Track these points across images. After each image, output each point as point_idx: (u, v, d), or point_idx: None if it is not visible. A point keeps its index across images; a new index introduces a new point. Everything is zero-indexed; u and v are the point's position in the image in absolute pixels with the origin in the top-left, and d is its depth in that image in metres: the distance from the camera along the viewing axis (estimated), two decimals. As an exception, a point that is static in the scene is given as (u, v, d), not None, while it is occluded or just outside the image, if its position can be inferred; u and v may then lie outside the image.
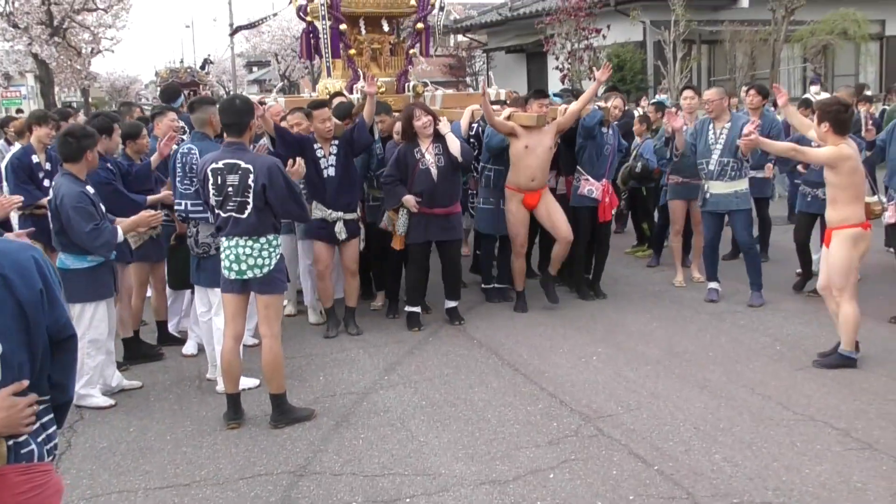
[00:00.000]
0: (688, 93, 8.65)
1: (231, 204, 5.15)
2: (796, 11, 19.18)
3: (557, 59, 19.49)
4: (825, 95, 14.54)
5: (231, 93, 40.80)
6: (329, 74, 9.47)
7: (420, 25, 9.52)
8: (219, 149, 5.37)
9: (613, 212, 8.30)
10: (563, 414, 5.34)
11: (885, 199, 7.15)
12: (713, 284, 8.02)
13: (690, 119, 8.35)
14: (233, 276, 5.21)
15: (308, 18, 9.60)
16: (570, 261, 8.00)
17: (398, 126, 7.43)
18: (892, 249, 8.32)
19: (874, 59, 23.17)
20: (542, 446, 4.87)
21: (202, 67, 26.92)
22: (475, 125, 8.09)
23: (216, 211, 5.24)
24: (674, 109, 9.06)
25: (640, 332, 7.05)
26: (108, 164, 6.33)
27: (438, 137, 7.20)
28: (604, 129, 7.88)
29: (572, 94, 10.82)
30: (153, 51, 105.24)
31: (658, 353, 6.48)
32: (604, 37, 19.08)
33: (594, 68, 19.36)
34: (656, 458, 4.67)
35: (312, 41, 9.68)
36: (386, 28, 9.50)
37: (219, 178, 5.16)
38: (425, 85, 9.60)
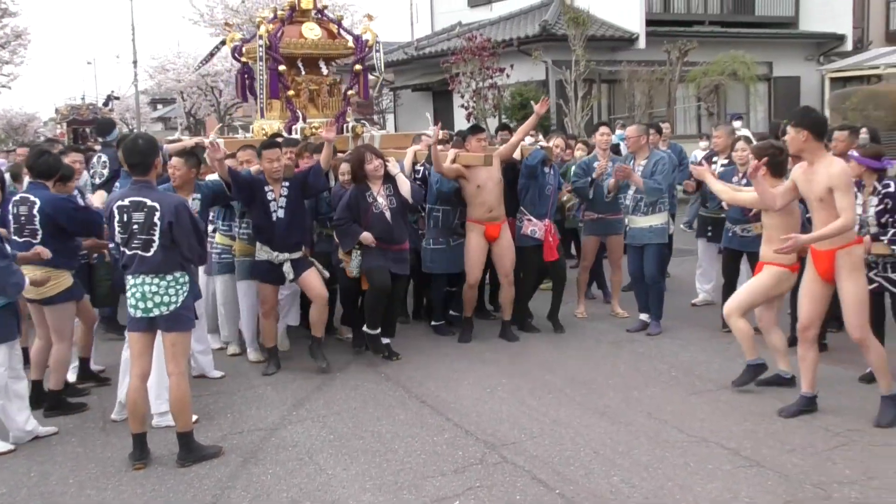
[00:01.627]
0: (604, 129, 8.71)
1: (136, 242, 5.16)
2: (689, 53, 20.05)
3: (463, 97, 19.88)
4: (746, 131, 15.22)
5: (134, 130, 40.08)
6: (262, 115, 9.44)
7: (358, 67, 9.55)
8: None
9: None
10: (468, 443, 5.47)
11: None
12: (644, 316, 8.17)
13: (604, 155, 8.46)
14: (139, 313, 5.22)
15: (243, 59, 9.58)
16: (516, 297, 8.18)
17: (344, 167, 7.47)
18: None
19: (763, 99, 24.32)
20: (447, 475, 4.99)
21: (105, 104, 26.45)
22: (420, 168, 8.13)
23: (121, 249, 5.25)
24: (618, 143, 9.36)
25: (543, 361, 7.25)
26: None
27: (388, 178, 7.25)
28: (546, 169, 8.01)
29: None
30: (53, 87, 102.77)
31: (560, 381, 6.67)
32: (507, 76, 19.56)
33: (498, 106, 19.84)
34: (558, 483, 4.83)
35: (248, 82, 9.67)
36: (325, 71, 9.59)
37: (124, 215, 5.18)
38: (363, 125, 9.64)
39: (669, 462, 5.06)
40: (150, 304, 5.19)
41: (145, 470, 5.22)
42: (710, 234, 8.79)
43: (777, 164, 6.13)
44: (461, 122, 19.61)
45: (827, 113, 20.71)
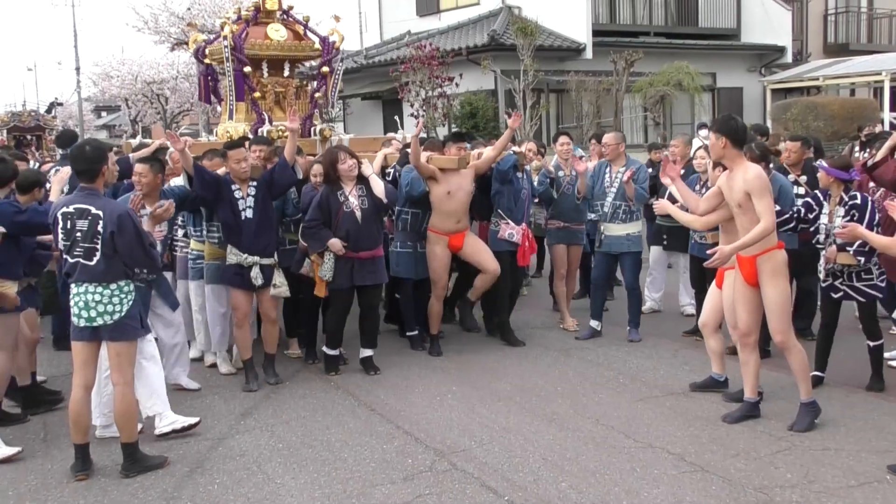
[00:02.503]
0: (563, 139, 8.77)
1: (78, 249, 5.07)
2: (635, 63, 20.31)
3: (412, 106, 19.88)
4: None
5: (78, 138, 39.32)
6: (231, 118, 9.17)
7: (325, 69, 9.42)
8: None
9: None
10: (417, 451, 5.47)
11: None
12: (594, 323, 8.22)
13: (566, 165, 8.50)
14: (82, 322, 5.11)
15: (207, 61, 9.36)
16: (488, 305, 8.21)
17: (316, 168, 7.37)
18: None
19: (707, 110, 24.68)
20: (397, 483, 4.99)
21: (48, 111, 25.95)
22: (390, 170, 7.99)
23: (64, 256, 5.15)
24: (580, 155, 9.14)
25: (493, 369, 7.27)
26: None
27: (361, 179, 7.13)
28: (518, 174, 7.96)
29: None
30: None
31: (510, 389, 6.71)
32: (456, 85, 19.61)
33: (448, 115, 19.90)
34: (507, 489, 4.85)
35: (212, 84, 9.47)
36: (287, 73, 9.39)
37: (68, 222, 5.09)
38: (332, 128, 9.45)
39: (616, 468, 5.12)
40: (93, 314, 5.08)
41: (88, 481, 5.13)
42: (665, 242, 8.85)
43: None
44: (410, 131, 19.60)
45: (769, 123, 21.18)
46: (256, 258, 6.80)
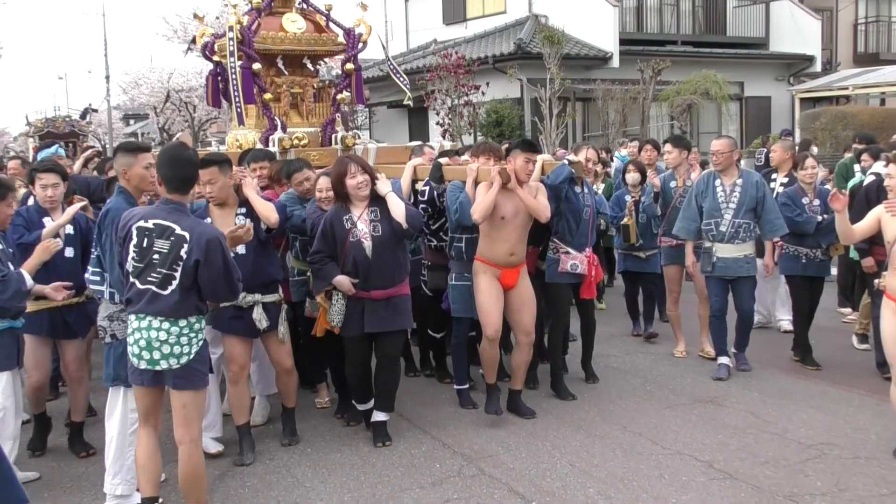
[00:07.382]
0: (670, 146, 7.82)
1: (153, 275, 4.29)
2: (662, 72, 20.30)
3: (438, 114, 19.97)
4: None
5: (107, 146, 39.75)
6: (241, 123, 7.71)
7: (349, 66, 8.01)
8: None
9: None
10: (445, 456, 5.51)
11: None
12: (723, 359, 7.15)
13: (680, 176, 7.62)
14: (143, 364, 4.32)
15: (215, 58, 8.04)
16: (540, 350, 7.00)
17: (322, 182, 5.96)
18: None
19: (734, 119, 24.65)
20: (425, 487, 5.02)
21: (83, 116, 26.12)
22: (424, 186, 6.59)
23: (130, 279, 4.37)
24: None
25: (519, 376, 7.27)
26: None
27: (375, 200, 5.71)
28: (577, 189, 6.60)
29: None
30: (23, 102, 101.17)
31: (536, 395, 6.71)
32: (482, 93, 19.69)
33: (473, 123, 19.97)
34: (535, 494, 4.87)
35: (221, 85, 8.04)
36: (310, 66, 8.28)
37: (145, 240, 4.31)
38: (356, 136, 8.15)
39: (644, 474, 5.12)
40: (156, 355, 4.29)
41: None
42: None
43: None
44: (436, 139, 19.68)
45: (797, 132, 21.05)
46: (257, 296, 5.50)
